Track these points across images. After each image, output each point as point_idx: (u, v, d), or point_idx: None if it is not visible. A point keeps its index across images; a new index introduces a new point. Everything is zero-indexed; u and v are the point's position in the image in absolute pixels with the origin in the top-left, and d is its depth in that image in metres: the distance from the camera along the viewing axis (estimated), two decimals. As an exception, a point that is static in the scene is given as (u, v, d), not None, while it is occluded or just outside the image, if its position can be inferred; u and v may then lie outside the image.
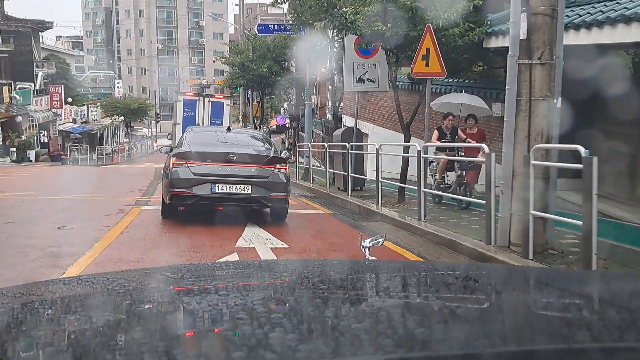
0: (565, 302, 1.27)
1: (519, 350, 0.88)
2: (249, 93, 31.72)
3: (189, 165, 7.74)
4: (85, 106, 44.44)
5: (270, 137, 34.64)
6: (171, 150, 8.50)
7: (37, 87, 34.53)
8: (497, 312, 1.22)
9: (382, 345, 0.85)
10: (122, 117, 45.03)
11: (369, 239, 2.27)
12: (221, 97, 23.97)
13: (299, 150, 22.55)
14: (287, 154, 10.18)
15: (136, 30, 79.05)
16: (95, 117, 45.18)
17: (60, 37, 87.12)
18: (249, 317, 1.02)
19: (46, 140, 33.64)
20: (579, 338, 0.96)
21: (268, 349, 0.82)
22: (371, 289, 1.44)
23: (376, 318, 1.04)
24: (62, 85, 35.36)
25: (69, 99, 40.05)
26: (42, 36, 41.87)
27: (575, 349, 0.87)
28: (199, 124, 20.63)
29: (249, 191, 7.78)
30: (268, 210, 8.44)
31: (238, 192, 7.78)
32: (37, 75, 34.77)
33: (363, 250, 2.21)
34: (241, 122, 31.45)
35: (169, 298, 1.29)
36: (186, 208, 8.30)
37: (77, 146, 33.78)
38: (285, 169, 8.22)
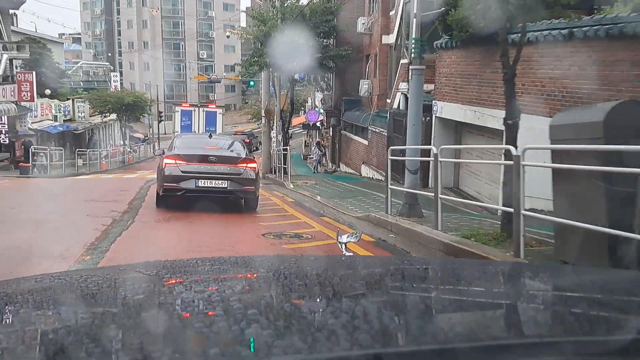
0: (537, 296, 1.28)
1: (492, 344, 0.88)
2: (272, 82, 23.62)
3: (177, 164, 9.69)
4: (70, 101, 36.66)
5: (288, 139, 26.53)
6: (164, 153, 10.80)
7: (1, 72, 26.72)
8: (472, 307, 1.20)
9: (358, 341, 0.86)
10: (114, 115, 37.17)
11: (346, 235, 2.30)
12: (214, 106, 25.88)
13: (390, 158, 14.32)
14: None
15: (139, 21, 71.50)
16: (83, 115, 37.42)
17: (63, 34, 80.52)
18: (225, 314, 1.01)
19: (9, 142, 25.81)
20: (551, 331, 0.97)
21: (244, 345, 0.82)
22: (347, 285, 1.41)
23: (352, 313, 1.04)
24: (34, 72, 27.55)
25: (47, 91, 32.26)
26: (17, 16, 34.26)
27: (546, 342, 0.87)
28: (195, 131, 22.05)
29: (226, 185, 9.68)
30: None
31: (217, 186, 9.66)
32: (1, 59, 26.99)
33: (340, 246, 2.22)
34: (263, 119, 23.49)
35: (144, 295, 1.24)
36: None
37: (46, 149, 25.81)
38: (255, 168, 10.21)
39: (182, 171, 9.62)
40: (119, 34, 74.22)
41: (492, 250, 5.80)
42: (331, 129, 24.09)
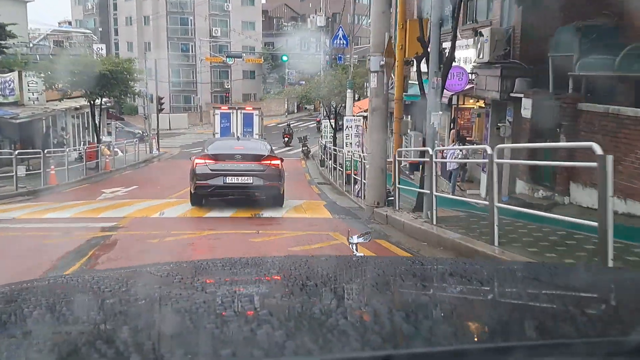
0: (549, 297, 1.26)
1: (505, 345, 0.88)
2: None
3: (207, 164, 10.70)
4: (16, 74, 23.44)
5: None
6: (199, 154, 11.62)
7: None
8: (484, 308, 1.20)
9: (369, 341, 0.86)
10: (83, 97, 23.70)
11: (357, 235, 2.31)
12: (251, 108, 26.57)
13: None
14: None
15: (139, -9, 58.27)
16: (36, 96, 24.14)
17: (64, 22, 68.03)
18: (237, 314, 1.03)
19: None
20: (564, 332, 0.96)
21: (255, 345, 0.83)
22: (358, 285, 1.42)
23: (363, 314, 1.04)
24: None
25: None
26: None
27: (560, 343, 0.87)
28: (234, 133, 23.75)
29: (251, 181, 10.55)
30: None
31: (243, 182, 10.55)
32: None
33: (351, 246, 2.21)
34: (372, 81, 9.92)
35: (156, 296, 1.24)
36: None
37: None
38: (278, 165, 10.91)
39: (211, 169, 10.58)
40: (115, 8, 61.09)
41: None
42: (530, 104, 10.31)
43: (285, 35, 64.03)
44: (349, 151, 17.08)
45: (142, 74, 25.74)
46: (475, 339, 0.91)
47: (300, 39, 60.87)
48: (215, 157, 10.75)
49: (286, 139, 34.82)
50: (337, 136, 24.85)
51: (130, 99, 30.10)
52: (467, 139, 13.76)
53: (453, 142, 14.20)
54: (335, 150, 20.73)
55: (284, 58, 38.21)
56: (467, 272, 1.50)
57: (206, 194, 10.87)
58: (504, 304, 1.22)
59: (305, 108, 68.06)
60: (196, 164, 10.79)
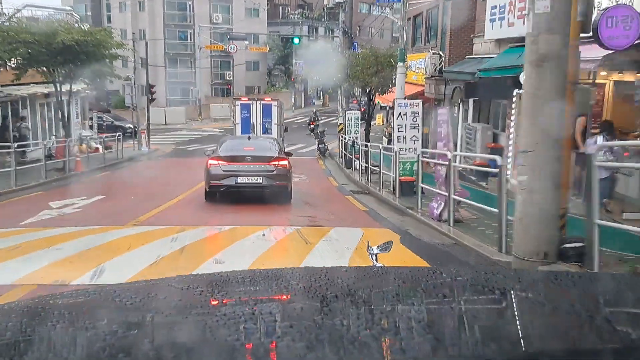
0: (574, 306, 1.23)
1: (528, 355, 0.86)
2: None
3: (220, 164, 11.34)
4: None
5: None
6: (213, 153, 12.05)
7: None
8: (505, 318, 1.19)
9: (391, 353, 0.86)
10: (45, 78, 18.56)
11: (377, 246, 2.19)
12: (269, 99, 26.33)
13: None
14: None
15: (133, -26, 52.99)
16: (-13, 77, 18.96)
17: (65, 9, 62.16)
18: (257, 327, 1.02)
19: None
20: (589, 341, 0.94)
21: (276, 357, 0.83)
22: (379, 296, 1.37)
23: (384, 325, 1.03)
24: None
25: None
26: None
27: (585, 351, 0.86)
28: (254, 123, 24.12)
29: (261, 181, 11.25)
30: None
31: (253, 182, 11.25)
32: None
33: (370, 257, 2.13)
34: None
35: (176, 310, 1.24)
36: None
37: None
38: (286, 165, 11.58)
39: (223, 170, 11.23)
40: (107, -7, 55.82)
41: None
42: None
43: (292, 23, 59.05)
44: (402, 148, 11.97)
45: (122, 48, 20.43)
46: (498, 350, 0.88)
47: (308, 26, 55.80)
48: (227, 158, 11.44)
49: (312, 126, 33.35)
50: (369, 130, 19.72)
51: (119, 88, 25.01)
52: (624, 132, 8.63)
53: (582, 135, 9.01)
54: (367, 147, 15.66)
55: (295, 41, 33.13)
56: (489, 283, 1.45)
57: (219, 192, 11.39)
58: (527, 314, 1.18)
59: (313, 103, 63.01)
60: (210, 164, 11.43)
